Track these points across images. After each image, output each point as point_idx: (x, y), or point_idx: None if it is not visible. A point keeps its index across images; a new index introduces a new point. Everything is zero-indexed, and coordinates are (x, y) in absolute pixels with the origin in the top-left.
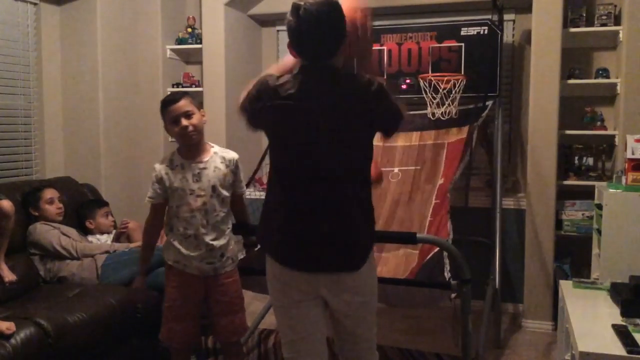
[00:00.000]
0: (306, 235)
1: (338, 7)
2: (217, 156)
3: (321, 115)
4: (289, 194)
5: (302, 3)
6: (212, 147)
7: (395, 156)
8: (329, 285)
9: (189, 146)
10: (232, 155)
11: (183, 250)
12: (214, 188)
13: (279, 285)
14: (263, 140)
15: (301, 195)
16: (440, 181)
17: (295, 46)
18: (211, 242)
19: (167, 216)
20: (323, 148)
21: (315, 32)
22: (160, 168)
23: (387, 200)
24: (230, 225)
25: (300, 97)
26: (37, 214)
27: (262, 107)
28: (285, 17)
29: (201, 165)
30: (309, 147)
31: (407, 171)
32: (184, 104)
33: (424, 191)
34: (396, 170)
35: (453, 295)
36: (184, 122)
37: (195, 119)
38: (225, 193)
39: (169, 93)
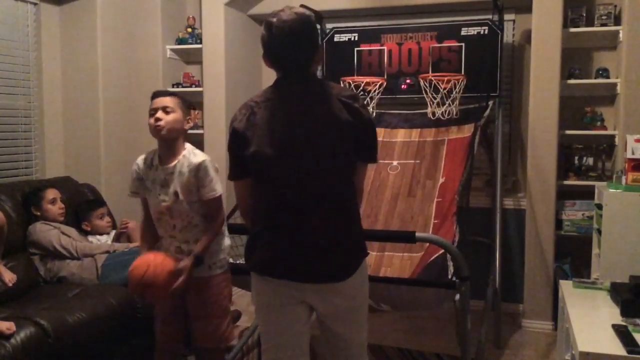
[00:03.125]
0: (293, 248)
1: (309, 21)
2: (185, 159)
3: (298, 121)
4: (272, 207)
5: (274, 20)
6: (185, 149)
7: (395, 149)
8: (317, 292)
9: (163, 145)
10: (198, 159)
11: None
12: (176, 194)
13: (264, 291)
14: None
15: (285, 207)
16: (442, 179)
17: (269, 60)
18: (180, 246)
19: None
20: (303, 157)
21: (287, 48)
22: (140, 164)
23: (386, 193)
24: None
25: (276, 106)
26: (39, 213)
27: (243, 126)
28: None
29: (169, 171)
30: (289, 158)
31: (407, 164)
32: (165, 100)
33: (425, 186)
34: (395, 163)
35: (457, 296)
36: (158, 114)
37: (170, 117)
38: (192, 198)
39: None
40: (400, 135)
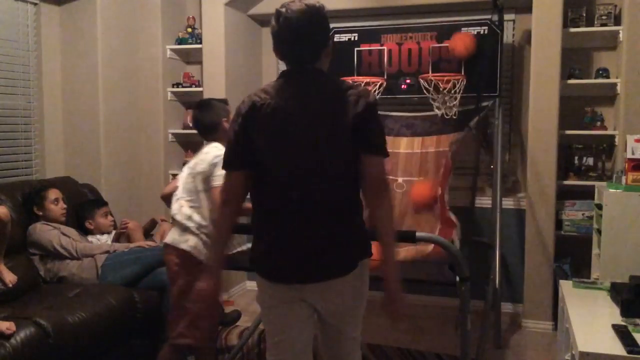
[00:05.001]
0: (291, 249)
1: (319, 13)
2: None
3: (299, 116)
4: (271, 207)
5: (283, 10)
6: None
7: (398, 164)
8: (317, 291)
9: None
10: None
11: None
12: None
13: (266, 291)
14: None
15: (282, 208)
16: (439, 191)
17: (278, 51)
18: None
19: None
20: (302, 155)
21: (295, 39)
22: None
23: (394, 212)
24: None
25: (279, 98)
26: (41, 213)
27: (243, 120)
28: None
29: None
30: (288, 156)
31: (411, 182)
32: None
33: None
34: (400, 180)
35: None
36: None
37: None
38: None
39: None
40: (403, 145)
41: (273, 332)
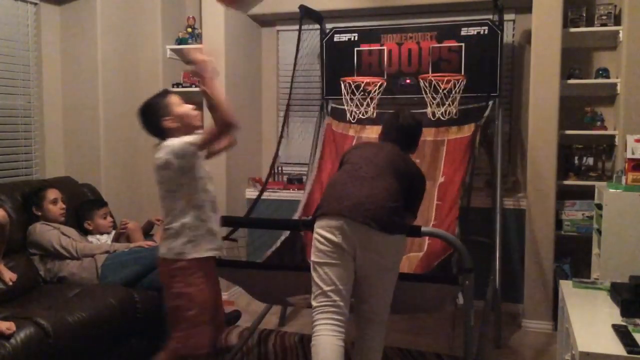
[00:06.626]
0: (355, 202)
1: (421, 126)
2: None
3: (374, 152)
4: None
5: (406, 113)
6: None
7: None
8: (363, 241)
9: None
10: None
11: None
12: None
13: (324, 247)
14: (263, 141)
15: (350, 175)
16: (441, 179)
17: (386, 133)
18: None
19: (191, 201)
20: (372, 166)
21: (403, 132)
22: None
23: None
24: None
25: (371, 145)
26: (40, 213)
27: (343, 154)
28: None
29: None
30: (364, 163)
31: None
32: None
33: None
34: None
35: (460, 297)
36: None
37: None
38: None
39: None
40: None
41: (323, 283)
